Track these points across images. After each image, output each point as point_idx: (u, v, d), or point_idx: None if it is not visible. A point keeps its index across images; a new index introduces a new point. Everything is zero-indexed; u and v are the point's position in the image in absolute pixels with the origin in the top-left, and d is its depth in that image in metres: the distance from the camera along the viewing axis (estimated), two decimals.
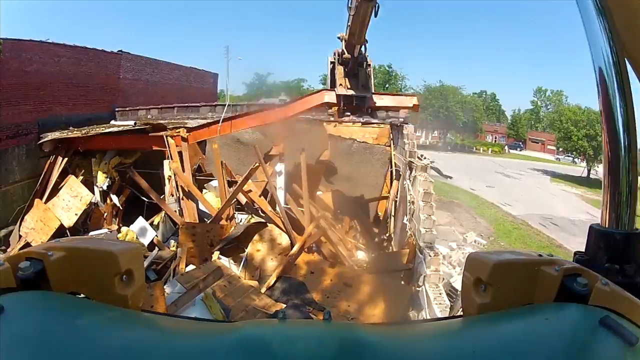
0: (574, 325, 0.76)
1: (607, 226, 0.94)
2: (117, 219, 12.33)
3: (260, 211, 10.23)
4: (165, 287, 7.93)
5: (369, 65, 8.18)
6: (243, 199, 10.57)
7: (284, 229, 9.65)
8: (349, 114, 8.21)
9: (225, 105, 14.12)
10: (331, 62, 8.38)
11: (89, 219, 12.23)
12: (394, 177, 11.72)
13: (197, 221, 10.12)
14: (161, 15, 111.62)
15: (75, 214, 11.66)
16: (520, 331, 0.76)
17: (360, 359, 0.65)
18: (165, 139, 10.91)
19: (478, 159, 50.65)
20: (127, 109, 16.41)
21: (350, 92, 7.87)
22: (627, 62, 0.98)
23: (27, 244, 11.37)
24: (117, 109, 16.55)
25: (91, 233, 11.49)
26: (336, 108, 8.13)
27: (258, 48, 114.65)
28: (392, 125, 12.19)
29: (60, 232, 11.73)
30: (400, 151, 11.60)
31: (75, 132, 12.78)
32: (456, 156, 49.71)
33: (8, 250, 11.92)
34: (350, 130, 12.47)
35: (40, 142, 13.07)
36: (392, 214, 11.36)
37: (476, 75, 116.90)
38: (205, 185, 11.86)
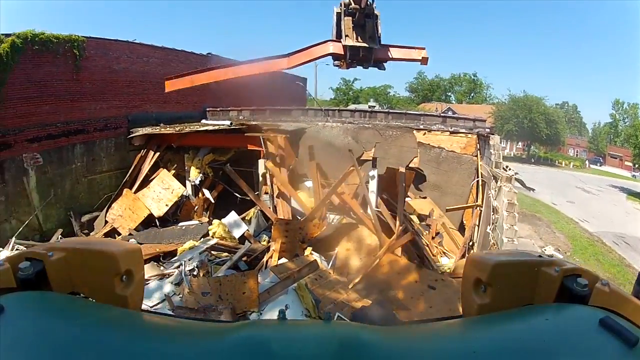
0: (574, 326, 0.83)
1: None
2: (208, 212, 13.91)
3: (351, 212, 11.45)
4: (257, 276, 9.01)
5: (377, 16, 8.41)
6: (336, 200, 11.72)
7: (373, 230, 10.85)
8: (355, 64, 8.36)
9: (318, 109, 15.80)
10: (337, 13, 8.57)
11: (179, 211, 13.95)
12: (480, 186, 12.60)
13: (290, 219, 11.35)
14: (247, 16, 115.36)
15: (166, 205, 13.39)
16: (520, 332, 0.84)
17: (359, 359, 0.73)
18: (261, 139, 12.39)
19: (560, 172, 50.95)
20: (218, 109, 17.98)
21: (357, 43, 8.14)
22: None
23: (113, 230, 13.33)
24: (207, 109, 18.23)
25: (181, 224, 13.11)
26: (343, 61, 8.39)
27: None
28: (479, 135, 13.16)
29: (148, 220, 13.48)
30: (486, 161, 12.44)
31: (168, 128, 14.54)
32: (539, 169, 50.44)
33: (91, 234, 13.81)
34: (439, 138, 13.49)
35: (130, 136, 15.01)
36: (477, 223, 12.20)
37: (558, 85, 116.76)
38: (298, 185, 13.11)
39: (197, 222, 13.15)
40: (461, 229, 12.85)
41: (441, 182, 13.49)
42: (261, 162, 12.64)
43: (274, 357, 0.72)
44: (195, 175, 13.86)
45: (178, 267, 10.29)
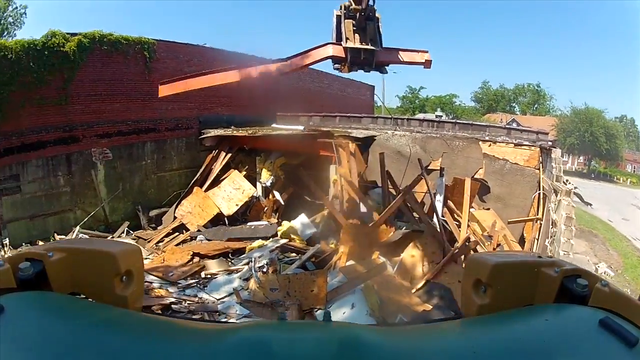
0: (574, 326, 0.86)
1: None
2: (277, 213, 14.66)
3: (418, 220, 11.97)
4: None
5: (378, 19, 8.34)
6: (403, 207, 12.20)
7: (439, 238, 11.33)
8: (356, 68, 8.20)
9: (388, 117, 16.49)
10: (337, 16, 8.52)
11: (248, 211, 14.81)
12: (541, 200, 12.88)
13: (359, 223, 11.88)
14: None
15: (236, 205, 14.27)
16: (520, 332, 0.87)
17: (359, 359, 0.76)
18: (333, 145, 12.97)
19: (617, 188, 50.44)
20: (289, 114, 18.68)
21: (359, 45, 8.03)
22: None
23: (182, 225, 14.29)
24: (278, 113, 18.96)
25: (250, 223, 13.94)
26: (344, 64, 8.26)
27: None
28: (541, 148, 13.47)
29: (217, 219, 14.32)
30: (547, 174, 12.71)
31: (240, 131, 15.43)
32: (598, 184, 49.97)
33: (159, 228, 14.91)
34: (504, 150, 13.90)
35: (202, 137, 15.98)
36: (537, 236, 12.47)
37: (616, 97, 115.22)
38: (368, 191, 13.66)
39: (266, 222, 13.93)
40: (521, 241, 13.20)
41: (504, 194, 13.90)
42: (332, 167, 13.24)
43: (274, 358, 0.75)
44: (266, 177, 14.68)
45: (247, 263, 10.95)
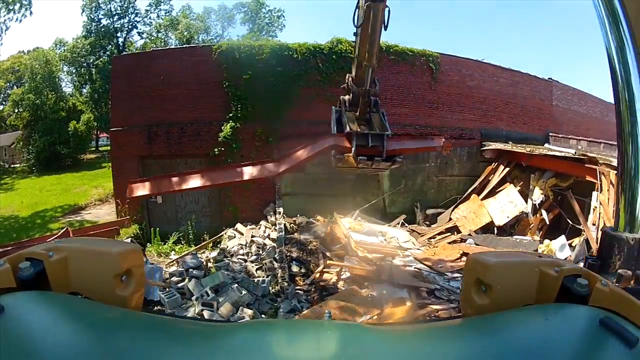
0: (574, 326, 0.91)
1: (621, 230, 1.17)
2: (541, 232, 15.80)
3: None
4: None
5: (384, 113, 8.39)
6: None
7: None
8: (364, 158, 7.84)
9: None
10: (336, 111, 8.65)
11: (516, 225, 16.49)
12: None
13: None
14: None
15: (507, 217, 16.15)
16: (520, 332, 0.92)
17: (359, 359, 0.81)
18: (597, 172, 13.58)
19: None
20: (560, 135, 20.09)
21: (365, 130, 7.86)
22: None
23: (455, 227, 16.87)
24: (550, 134, 20.62)
25: (515, 237, 15.54)
26: (348, 154, 8.01)
27: None
28: None
29: (487, 227, 16.50)
30: None
31: (518, 147, 17.31)
32: None
33: (433, 226, 17.59)
34: None
35: (483, 148, 18.42)
36: None
37: None
38: None
39: (529, 238, 15.31)
40: None
41: None
42: (595, 194, 13.93)
43: (273, 357, 0.81)
44: (537, 195, 16.11)
45: None
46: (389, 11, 6.13)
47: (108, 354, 0.77)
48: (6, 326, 0.77)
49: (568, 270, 1.03)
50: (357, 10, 6.74)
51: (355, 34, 7.66)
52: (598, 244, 1.23)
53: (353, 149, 7.73)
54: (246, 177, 10.61)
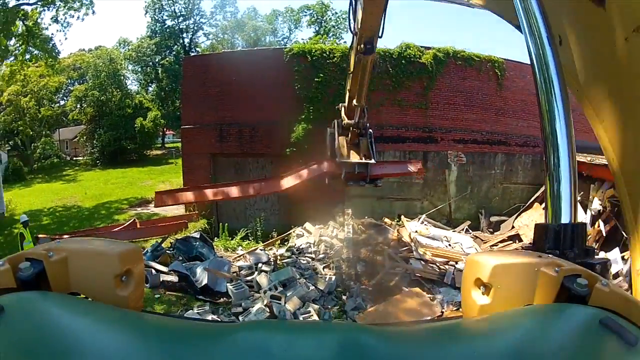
0: (574, 326, 0.90)
1: (549, 222, 1.24)
2: (598, 243, 15.73)
3: None
4: None
5: (371, 134, 9.25)
6: None
7: None
8: (351, 183, 9.19)
9: None
10: (330, 134, 9.53)
11: None
12: None
13: None
14: None
15: None
16: (520, 332, 0.91)
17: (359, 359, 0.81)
18: None
19: None
20: None
21: (353, 160, 8.95)
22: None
23: (516, 235, 16.83)
24: None
25: None
26: (338, 179, 9.25)
27: None
28: None
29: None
30: None
31: (580, 156, 16.99)
32: None
33: (495, 233, 17.68)
34: None
35: None
36: None
37: None
38: None
39: None
40: None
41: None
42: None
43: (273, 358, 0.81)
44: (596, 206, 16.36)
45: None
46: (384, 17, 5.85)
47: (108, 355, 0.79)
48: (6, 326, 0.79)
49: (568, 270, 1.02)
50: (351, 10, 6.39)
51: (347, 74, 8.62)
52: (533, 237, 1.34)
53: (342, 175, 9.00)
54: (251, 192, 12.28)
